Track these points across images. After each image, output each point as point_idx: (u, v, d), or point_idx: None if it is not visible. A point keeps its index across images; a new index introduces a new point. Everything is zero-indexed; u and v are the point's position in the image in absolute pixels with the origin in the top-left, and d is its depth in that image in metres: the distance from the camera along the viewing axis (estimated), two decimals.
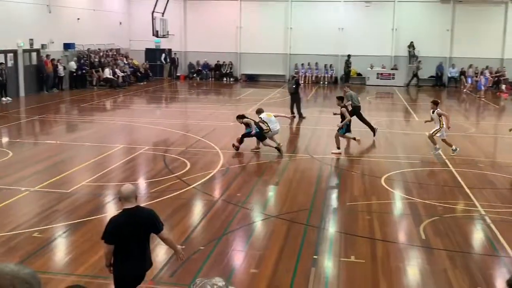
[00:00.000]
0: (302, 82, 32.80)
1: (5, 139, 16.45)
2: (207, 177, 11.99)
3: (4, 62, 24.04)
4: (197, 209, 10.11)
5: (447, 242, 8.43)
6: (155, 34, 31.85)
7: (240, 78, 36.44)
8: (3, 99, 23.66)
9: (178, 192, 10.78)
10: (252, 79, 36.09)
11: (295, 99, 20.66)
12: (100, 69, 30.47)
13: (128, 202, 5.49)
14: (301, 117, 20.42)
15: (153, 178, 11.91)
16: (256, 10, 35.56)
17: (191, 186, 11.22)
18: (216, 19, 35.66)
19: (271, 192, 11.39)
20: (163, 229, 5.62)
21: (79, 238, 8.40)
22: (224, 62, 36.31)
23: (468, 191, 11.25)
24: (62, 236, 8.55)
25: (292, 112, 20.61)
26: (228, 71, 36.39)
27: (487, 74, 31.75)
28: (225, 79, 36.15)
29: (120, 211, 5.61)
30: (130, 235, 5.42)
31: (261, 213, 9.83)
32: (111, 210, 10.06)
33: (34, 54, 26.70)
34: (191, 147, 15.12)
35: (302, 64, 35.25)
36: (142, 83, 32.90)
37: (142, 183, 11.88)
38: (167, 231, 5.83)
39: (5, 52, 24.37)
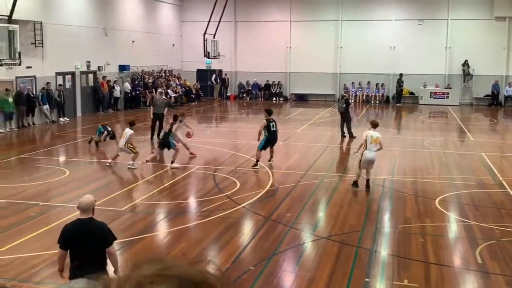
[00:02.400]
0: (352, 101, 32.55)
1: (62, 158, 17.01)
2: (257, 196, 12.00)
3: (62, 84, 24.99)
4: (247, 229, 10.11)
5: (505, 267, 8.10)
6: (206, 55, 32.43)
7: (289, 97, 36.53)
8: (61, 119, 24.53)
9: (228, 212, 10.83)
10: (301, 99, 36.10)
11: (346, 119, 20.51)
12: (153, 90, 31.21)
13: (83, 213, 5.88)
14: (351, 136, 20.21)
15: (203, 197, 12.02)
16: (306, 30, 35.70)
17: (240, 206, 11.25)
18: (266, 39, 36.01)
19: (322, 212, 11.28)
20: (112, 244, 5.97)
21: (132, 256, 8.53)
22: (273, 81, 36.51)
23: None
24: (117, 254, 8.71)
25: (343, 132, 20.45)
26: (277, 91, 36.56)
27: None
28: (274, 98, 36.31)
29: (75, 219, 5.97)
30: (81, 243, 5.76)
31: (311, 234, 9.73)
32: (163, 228, 10.21)
33: (91, 76, 27.66)
34: (241, 166, 15.20)
35: (353, 83, 35.01)
36: (193, 103, 33.47)
37: (192, 202, 12.01)
38: (115, 248, 6.16)
39: (63, 74, 25.35)
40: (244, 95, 37.04)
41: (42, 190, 12.56)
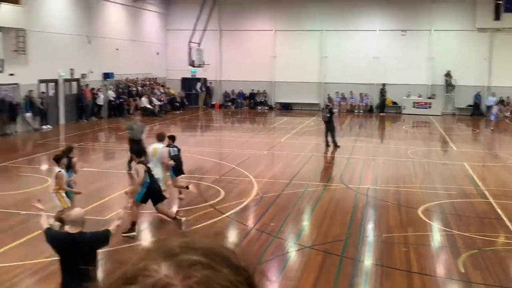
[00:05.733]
0: (337, 111, 32.72)
1: (44, 167, 16.82)
2: (241, 205, 11.98)
3: (45, 92, 24.80)
4: (231, 239, 10.07)
5: (487, 276, 8.17)
6: (191, 63, 32.41)
7: (274, 106, 36.63)
8: (44, 127, 24.31)
9: (212, 221, 10.79)
10: (286, 108, 36.20)
11: (330, 128, 20.60)
12: (137, 98, 31.10)
13: (72, 227, 5.64)
14: (336, 146, 20.31)
15: (187, 206, 11.96)
16: (290, 40, 35.87)
17: (225, 215, 11.22)
18: (251, 48, 36.11)
19: (306, 221, 11.29)
20: (108, 240, 5.76)
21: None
22: (258, 90, 36.59)
23: (508, 223, 10.93)
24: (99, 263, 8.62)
25: (327, 141, 20.54)
26: (262, 100, 36.63)
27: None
28: (259, 107, 36.37)
29: (63, 231, 5.87)
30: (69, 258, 5.53)
31: (295, 243, 9.74)
32: (146, 237, 10.14)
33: (74, 84, 27.49)
34: (225, 175, 15.18)
35: (337, 93, 35.21)
36: (178, 112, 33.40)
37: (176, 211, 11.94)
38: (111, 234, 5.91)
39: (46, 82, 25.16)
40: (229, 104, 37.06)
41: (23, 199, 12.40)
